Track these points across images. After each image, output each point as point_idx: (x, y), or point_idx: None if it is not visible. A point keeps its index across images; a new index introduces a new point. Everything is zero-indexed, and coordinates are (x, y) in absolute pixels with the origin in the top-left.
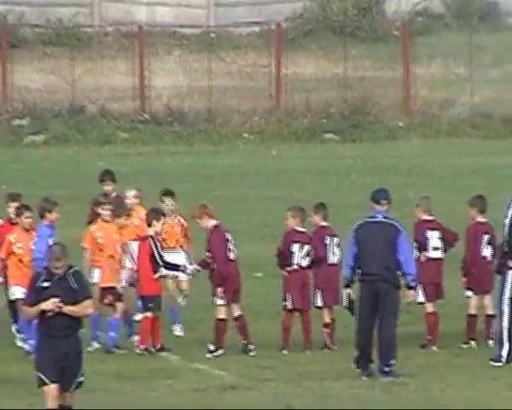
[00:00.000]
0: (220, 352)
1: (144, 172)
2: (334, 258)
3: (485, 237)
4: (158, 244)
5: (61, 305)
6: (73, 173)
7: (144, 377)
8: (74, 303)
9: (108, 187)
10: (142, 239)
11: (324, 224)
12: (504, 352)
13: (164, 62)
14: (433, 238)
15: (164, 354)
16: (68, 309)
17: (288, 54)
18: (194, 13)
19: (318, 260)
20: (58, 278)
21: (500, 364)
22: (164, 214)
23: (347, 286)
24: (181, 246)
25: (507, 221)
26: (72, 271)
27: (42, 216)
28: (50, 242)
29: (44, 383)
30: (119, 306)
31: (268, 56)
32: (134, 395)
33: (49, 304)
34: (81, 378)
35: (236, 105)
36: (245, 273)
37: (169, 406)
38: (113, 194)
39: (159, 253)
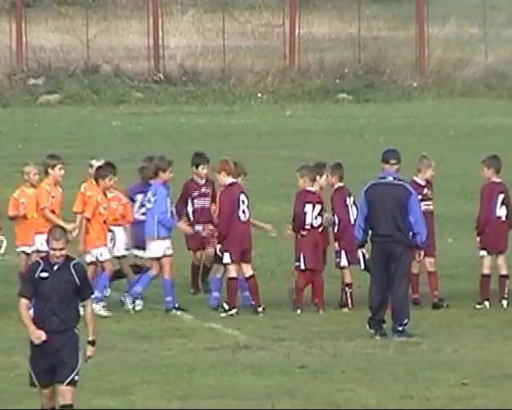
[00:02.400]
0: (234, 311)
1: (158, 131)
2: (353, 218)
3: (500, 197)
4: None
5: (44, 338)
6: (88, 133)
7: (159, 336)
8: (73, 297)
9: (204, 170)
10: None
11: (341, 184)
12: None
13: (178, 22)
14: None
15: (179, 313)
16: (89, 355)
17: (301, 13)
18: None
19: (341, 222)
20: (57, 269)
21: None
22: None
23: (360, 247)
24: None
25: None
26: (73, 263)
27: (156, 175)
28: (168, 202)
29: (34, 384)
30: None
31: (282, 16)
32: (148, 353)
33: (35, 338)
34: (76, 376)
35: (250, 65)
36: (259, 233)
37: (184, 364)
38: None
39: None
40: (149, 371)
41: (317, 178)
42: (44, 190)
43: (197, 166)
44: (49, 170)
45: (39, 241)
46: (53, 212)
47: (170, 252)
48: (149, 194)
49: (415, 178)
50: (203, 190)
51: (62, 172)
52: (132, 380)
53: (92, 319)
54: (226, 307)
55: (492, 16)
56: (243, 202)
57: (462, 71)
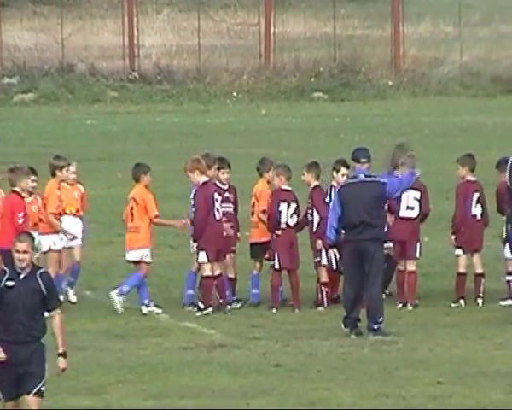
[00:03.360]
0: (209, 310)
1: (133, 130)
2: None
3: (475, 196)
4: None
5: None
6: (63, 132)
7: (134, 335)
8: (40, 307)
9: (225, 175)
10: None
11: (317, 183)
12: None
13: (153, 21)
14: (409, 198)
15: (154, 311)
16: (63, 367)
17: (277, 12)
18: None
19: (323, 220)
20: (24, 277)
21: None
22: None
23: (332, 247)
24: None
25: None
26: (40, 272)
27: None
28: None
29: None
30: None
31: (257, 15)
32: (124, 353)
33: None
34: (43, 387)
35: (225, 64)
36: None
37: (159, 363)
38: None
39: None
40: (125, 371)
41: (334, 173)
42: (55, 194)
43: (209, 168)
44: (57, 172)
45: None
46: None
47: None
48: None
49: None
50: (226, 195)
51: (70, 174)
52: (107, 379)
53: (61, 331)
54: (201, 306)
55: (467, 15)
56: (217, 200)
57: (437, 70)
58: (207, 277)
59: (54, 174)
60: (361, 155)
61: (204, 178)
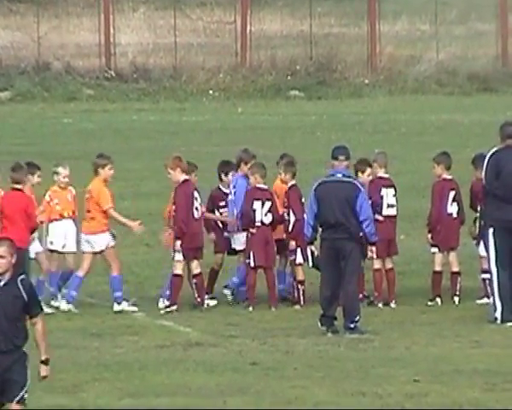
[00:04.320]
0: (174, 307)
1: (110, 129)
2: None
3: (451, 194)
4: None
5: None
6: (39, 130)
7: (110, 333)
8: (22, 314)
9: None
10: None
11: (294, 182)
12: (498, 313)
13: (129, 19)
14: (389, 196)
15: (129, 309)
16: (44, 375)
17: (253, 10)
18: None
19: (298, 219)
20: (4, 284)
21: (495, 326)
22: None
23: (310, 244)
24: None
25: (483, 177)
26: (21, 278)
27: (238, 167)
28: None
29: None
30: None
31: (233, 13)
32: (100, 351)
33: None
34: (25, 394)
35: (201, 62)
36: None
37: (135, 361)
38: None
39: None
40: (101, 369)
41: (359, 174)
42: (105, 190)
43: (226, 174)
44: (100, 170)
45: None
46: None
47: None
48: (231, 186)
49: (381, 175)
50: (230, 198)
51: (112, 171)
52: (83, 378)
53: (44, 338)
54: (167, 303)
55: (444, 13)
56: (196, 199)
57: (413, 68)
58: (178, 275)
59: (97, 172)
60: (339, 153)
61: (184, 177)
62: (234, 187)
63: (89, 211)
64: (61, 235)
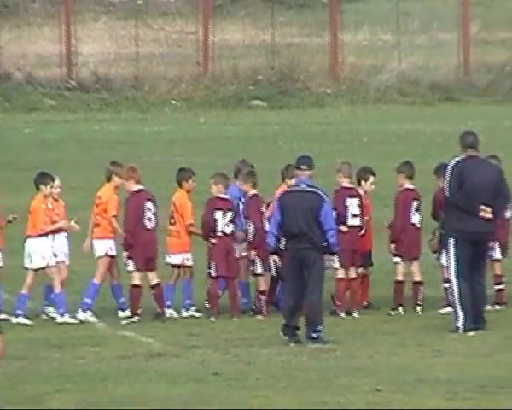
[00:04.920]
0: (136, 318)
1: (71, 139)
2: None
3: (414, 204)
4: None
5: None
6: (0, 140)
7: (72, 344)
8: None
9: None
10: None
11: (255, 192)
12: (460, 323)
13: (90, 29)
14: (353, 206)
15: (91, 320)
16: None
17: (215, 21)
18: None
19: (257, 230)
20: None
21: (457, 335)
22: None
23: (273, 254)
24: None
25: (445, 187)
26: None
27: (236, 177)
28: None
29: None
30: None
31: (195, 23)
32: (61, 362)
33: None
34: None
35: (163, 72)
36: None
37: (97, 372)
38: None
39: None
40: (62, 380)
41: (362, 183)
42: (114, 198)
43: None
44: (114, 176)
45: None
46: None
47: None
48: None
49: (345, 185)
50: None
51: (55, 189)
52: (45, 389)
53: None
54: (128, 313)
55: (405, 23)
56: (149, 209)
57: (375, 77)
58: (136, 285)
59: (109, 179)
60: (302, 163)
61: (138, 187)
62: (240, 199)
63: (97, 215)
64: (63, 247)
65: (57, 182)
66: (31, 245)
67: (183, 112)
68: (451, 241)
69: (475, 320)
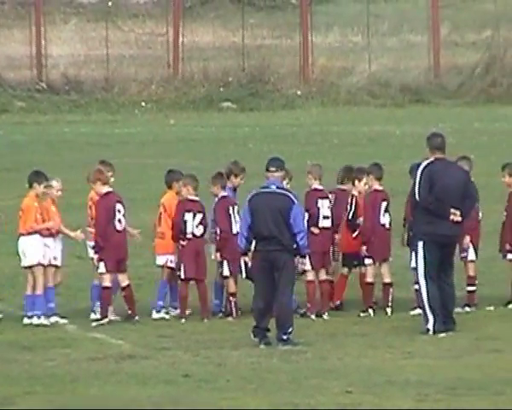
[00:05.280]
0: (105, 320)
1: (41, 141)
2: (237, 227)
3: (383, 205)
4: None
5: None
6: None
7: (42, 346)
8: None
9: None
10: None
11: (224, 194)
12: (430, 325)
13: (60, 31)
14: (324, 207)
15: (61, 322)
16: None
17: (185, 22)
18: None
19: (223, 232)
20: None
21: (428, 337)
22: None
23: (243, 255)
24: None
25: (414, 189)
26: None
27: (228, 178)
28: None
29: None
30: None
31: (165, 25)
32: (31, 364)
33: None
34: None
35: (134, 74)
36: (143, 242)
37: (67, 374)
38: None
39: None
40: (32, 382)
41: (356, 183)
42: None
43: (236, 177)
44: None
45: None
46: None
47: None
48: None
49: (316, 186)
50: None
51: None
52: (15, 391)
53: None
54: (98, 316)
55: (376, 25)
56: (119, 211)
57: (345, 79)
58: (106, 287)
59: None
60: (271, 164)
61: (107, 189)
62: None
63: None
64: (60, 250)
65: (59, 185)
66: (23, 243)
67: (154, 114)
68: (420, 243)
69: (445, 322)
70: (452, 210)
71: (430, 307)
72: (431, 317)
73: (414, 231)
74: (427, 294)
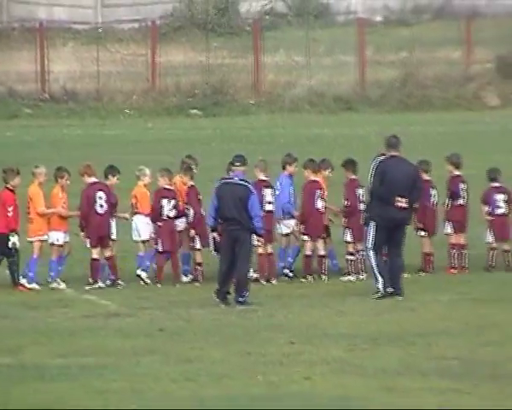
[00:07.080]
0: (97, 285)
1: (45, 141)
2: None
3: (318, 192)
4: None
5: None
6: None
7: (45, 306)
8: None
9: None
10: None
11: (192, 183)
12: (380, 285)
13: (60, 52)
14: (267, 195)
15: (61, 286)
16: None
17: (161, 45)
18: (84, 12)
19: (196, 214)
20: None
21: (379, 295)
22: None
23: (212, 231)
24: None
25: (370, 180)
26: None
27: (284, 168)
28: (291, 190)
29: None
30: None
31: (145, 47)
32: (36, 320)
33: None
34: None
35: (120, 86)
36: (127, 228)
37: (65, 328)
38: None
39: None
40: (37, 335)
41: (322, 171)
42: (147, 196)
43: (290, 165)
44: (141, 177)
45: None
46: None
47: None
48: (277, 183)
49: (261, 178)
50: (277, 192)
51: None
52: (23, 342)
53: None
54: (91, 281)
55: (314, 47)
56: (100, 197)
57: (289, 91)
58: (94, 259)
59: (139, 178)
60: (235, 160)
61: (92, 180)
62: (280, 184)
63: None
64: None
65: (40, 170)
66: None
67: (135, 119)
68: (372, 224)
69: (394, 287)
70: (397, 198)
71: (378, 269)
72: (380, 278)
73: (368, 213)
74: (376, 262)
